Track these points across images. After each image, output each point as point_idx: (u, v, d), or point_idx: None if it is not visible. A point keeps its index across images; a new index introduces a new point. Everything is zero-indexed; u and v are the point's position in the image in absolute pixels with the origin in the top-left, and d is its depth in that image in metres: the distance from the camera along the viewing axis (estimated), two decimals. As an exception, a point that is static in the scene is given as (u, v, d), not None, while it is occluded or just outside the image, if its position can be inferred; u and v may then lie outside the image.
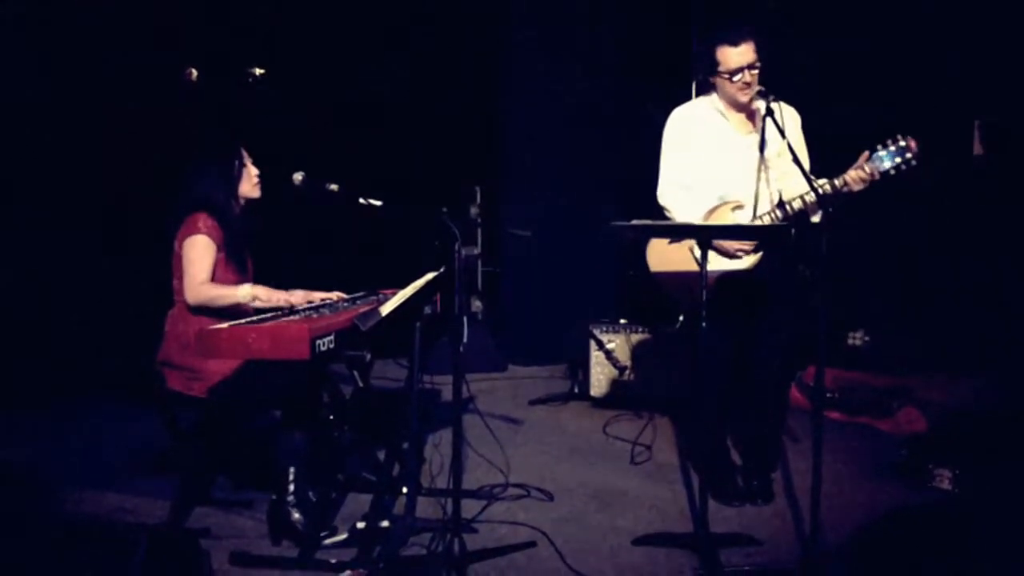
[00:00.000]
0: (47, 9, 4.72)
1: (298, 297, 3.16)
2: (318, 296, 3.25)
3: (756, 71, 3.20)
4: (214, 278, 3.05)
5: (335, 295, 3.31)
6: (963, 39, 5.09)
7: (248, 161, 3.21)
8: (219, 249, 3.06)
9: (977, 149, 5.19)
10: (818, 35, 5.33)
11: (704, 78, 3.35)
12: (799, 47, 5.21)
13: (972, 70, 5.09)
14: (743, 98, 3.23)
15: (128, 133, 4.87)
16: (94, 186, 4.85)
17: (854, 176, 3.08)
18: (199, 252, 3.01)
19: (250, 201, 3.22)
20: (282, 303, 3.08)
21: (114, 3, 4.87)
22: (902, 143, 3.07)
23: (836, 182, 3.09)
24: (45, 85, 4.72)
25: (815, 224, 3.16)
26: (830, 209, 2.82)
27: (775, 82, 3.16)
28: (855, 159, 3.10)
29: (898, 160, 3.06)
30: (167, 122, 4.89)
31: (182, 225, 3.06)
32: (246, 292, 3.04)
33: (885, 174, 3.08)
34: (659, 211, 3.42)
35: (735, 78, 3.20)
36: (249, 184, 3.20)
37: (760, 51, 3.20)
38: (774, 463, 3.51)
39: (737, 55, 3.18)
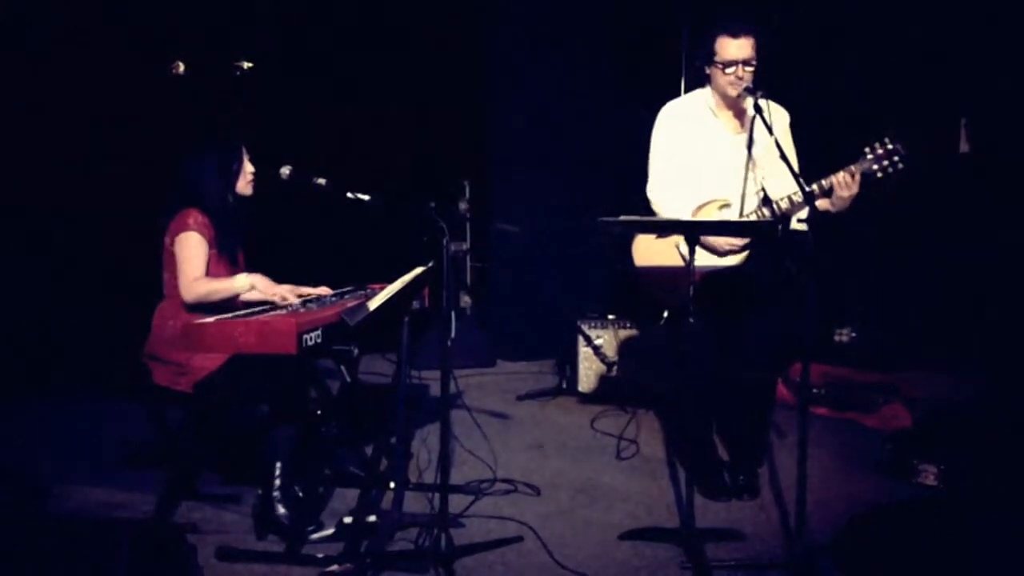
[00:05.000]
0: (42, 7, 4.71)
1: (285, 290, 3.16)
2: (305, 291, 3.25)
3: (751, 68, 3.18)
4: (207, 273, 3.04)
5: (321, 290, 3.30)
6: (949, 36, 5.11)
7: (246, 158, 3.20)
8: (210, 245, 3.05)
9: (963, 147, 5.22)
10: (809, 37, 5.34)
11: (699, 66, 3.33)
12: (792, 47, 5.21)
13: (959, 68, 5.11)
14: (732, 92, 3.21)
15: (120, 126, 4.84)
16: (76, 178, 4.82)
17: (839, 179, 3.05)
18: (192, 249, 3.00)
19: (241, 198, 3.21)
20: (277, 297, 3.08)
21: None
22: (889, 146, 3.07)
23: (823, 183, 3.07)
24: (40, 81, 4.71)
25: (800, 220, 3.15)
26: (812, 218, 2.76)
27: (768, 81, 3.15)
28: (841, 159, 3.10)
29: (885, 163, 3.07)
30: (157, 115, 4.86)
31: (173, 219, 3.04)
32: (243, 282, 3.04)
33: (871, 176, 3.08)
34: (648, 207, 3.42)
35: (728, 69, 3.18)
36: (244, 181, 3.18)
37: (759, 51, 3.19)
38: (760, 458, 3.52)
39: (735, 47, 3.17)
